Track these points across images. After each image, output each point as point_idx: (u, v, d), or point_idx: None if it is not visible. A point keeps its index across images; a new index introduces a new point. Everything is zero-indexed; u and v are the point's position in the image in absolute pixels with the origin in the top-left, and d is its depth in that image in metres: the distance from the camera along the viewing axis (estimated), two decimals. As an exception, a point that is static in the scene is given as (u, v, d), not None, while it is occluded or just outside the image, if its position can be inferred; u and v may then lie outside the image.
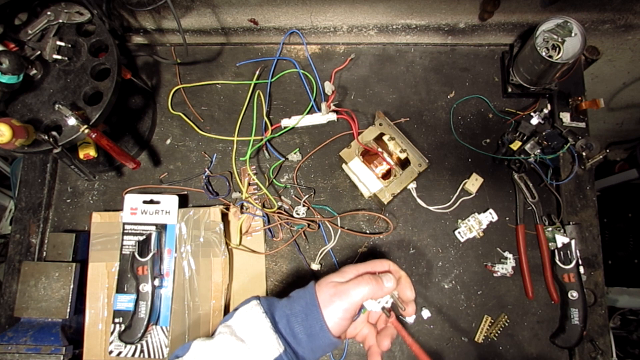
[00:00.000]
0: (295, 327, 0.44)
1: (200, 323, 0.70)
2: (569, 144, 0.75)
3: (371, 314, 0.55)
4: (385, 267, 0.52)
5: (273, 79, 0.83)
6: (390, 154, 0.74)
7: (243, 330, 0.45)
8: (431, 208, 0.77)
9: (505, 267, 0.75)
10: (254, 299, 0.48)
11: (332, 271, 0.75)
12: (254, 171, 0.78)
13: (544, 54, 0.71)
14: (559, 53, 0.73)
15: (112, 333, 0.69)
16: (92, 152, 0.72)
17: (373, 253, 0.76)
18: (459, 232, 0.76)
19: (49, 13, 0.67)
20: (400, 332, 0.51)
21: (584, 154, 0.75)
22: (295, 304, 0.47)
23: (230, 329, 0.45)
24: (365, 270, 0.50)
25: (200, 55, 0.85)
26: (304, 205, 0.76)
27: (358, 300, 0.46)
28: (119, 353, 0.68)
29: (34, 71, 0.64)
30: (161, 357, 0.69)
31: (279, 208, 0.76)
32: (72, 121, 0.61)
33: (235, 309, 0.49)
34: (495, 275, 0.75)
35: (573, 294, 0.71)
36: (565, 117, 0.79)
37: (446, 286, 0.75)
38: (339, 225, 0.76)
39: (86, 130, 0.62)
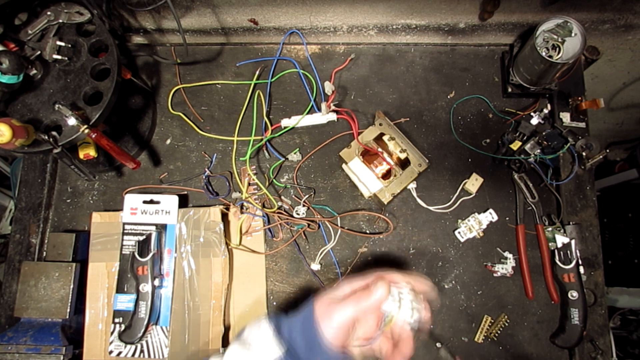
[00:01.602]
0: (294, 334, 0.47)
1: (200, 323, 0.70)
2: (569, 144, 0.75)
3: (395, 330, 0.50)
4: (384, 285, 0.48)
5: (273, 79, 0.83)
6: (390, 154, 0.74)
7: (249, 338, 0.49)
8: (431, 208, 0.77)
9: (505, 267, 0.75)
10: (264, 316, 0.52)
11: (332, 271, 0.76)
12: (254, 171, 0.78)
13: (544, 54, 0.71)
14: (559, 53, 0.73)
15: (112, 333, 0.69)
16: (92, 152, 0.72)
17: (373, 253, 0.76)
18: (459, 232, 0.76)
19: (49, 13, 0.67)
20: None
21: (584, 154, 0.75)
22: (296, 317, 0.49)
23: (239, 340, 0.50)
24: (360, 286, 0.49)
25: (200, 55, 0.85)
26: (304, 205, 0.76)
27: (346, 319, 0.46)
28: (119, 353, 0.68)
29: (34, 71, 0.64)
30: (161, 357, 0.69)
31: (279, 208, 0.76)
32: (72, 121, 0.61)
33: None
34: (495, 275, 0.75)
35: (573, 294, 0.71)
36: (565, 117, 0.79)
37: (446, 286, 0.75)
38: (339, 225, 0.76)
39: (86, 130, 0.62)
